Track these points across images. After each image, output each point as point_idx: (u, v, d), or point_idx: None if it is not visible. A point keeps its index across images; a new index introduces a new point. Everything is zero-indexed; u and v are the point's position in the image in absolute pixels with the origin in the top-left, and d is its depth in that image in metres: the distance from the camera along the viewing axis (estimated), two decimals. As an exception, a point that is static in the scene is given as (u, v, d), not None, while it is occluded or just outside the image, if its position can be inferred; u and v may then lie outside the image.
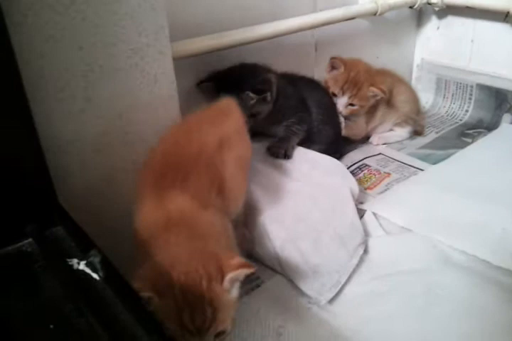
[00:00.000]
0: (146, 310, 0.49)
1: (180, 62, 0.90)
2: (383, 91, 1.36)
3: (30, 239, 0.62)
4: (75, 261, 0.57)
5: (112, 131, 0.80)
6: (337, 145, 1.35)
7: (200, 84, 1.10)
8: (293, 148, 1.17)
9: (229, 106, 0.92)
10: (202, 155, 0.76)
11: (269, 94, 1.10)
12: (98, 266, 0.56)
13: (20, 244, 0.62)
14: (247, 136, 0.91)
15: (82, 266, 0.57)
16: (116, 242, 0.70)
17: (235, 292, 0.64)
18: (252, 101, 1.09)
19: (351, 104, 1.37)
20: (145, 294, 0.57)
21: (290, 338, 0.83)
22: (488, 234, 0.99)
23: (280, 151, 1.14)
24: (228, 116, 0.88)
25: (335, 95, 1.37)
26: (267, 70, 1.14)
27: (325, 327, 0.85)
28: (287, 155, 1.14)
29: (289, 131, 1.18)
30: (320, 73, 1.42)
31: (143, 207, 0.71)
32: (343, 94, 1.36)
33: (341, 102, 1.37)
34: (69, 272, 0.56)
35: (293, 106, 1.19)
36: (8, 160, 0.60)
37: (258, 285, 0.94)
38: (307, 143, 1.23)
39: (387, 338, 0.81)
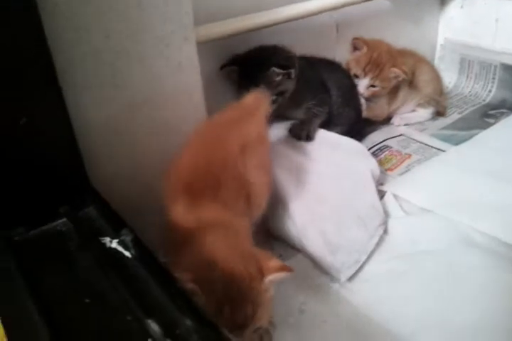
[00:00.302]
0: (177, 286, 0.51)
1: (202, 46, 0.92)
2: (405, 72, 1.35)
3: (64, 219, 0.66)
4: (107, 239, 0.61)
5: (139, 117, 0.82)
6: (358, 127, 1.35)
7: (223, 68, 1.11)
8: (314, 130, 1.18)
9: (254, 103, 0.91)
10: (228, 162, 0.77)
11: (293, 70, 1.11)
12: (130, 245, 0.59)
13: (55, 223, 0.65)
14: (268, 137, 0.92)
15: (114, 244, 0.60)
16: (142, 224, 0.74)
17: (272, 291, 0.65)
18: (278, 78, 1.10)
19: (373, 86, 1.37)
20: (188, 285, 0.58)
21: (312, 315, 0.85)
22: (509, 215, 1.00)
23: (302, 133, 1.15)
24: (253, 116, 0.88)
25: (357, 76, 1.37)
26: (287, 51, 1.15)
27: (345, 304, 0.87)
28: (309, 137, 1.15)
29: (310, 113, 1.19)
30: (341, 54, 1.41)
31: (176, 214, 0.71)
32: (365, 75, 1.36)
33: (363, 84, 1.37)
34: (102, 250, 0.59)
35: (313, 88, 1.20)
36: (45, 146, 0.63)
37: (280, 263, 0.96)
38: (329, 125, 1.23)
39: (405, 317, 0.83)
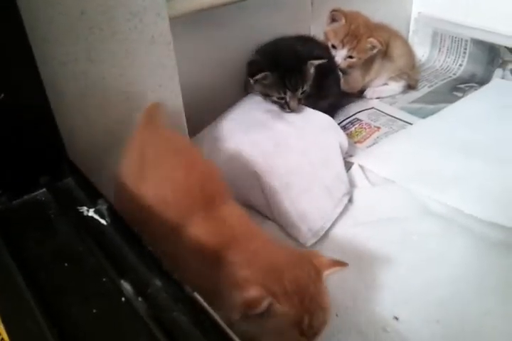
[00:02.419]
0: (148, 249, 0.56)
1: (176, 22, 0.94)
2: (381, 43, 1.38)
3: (44, 190, 0.69)
4: (84, 208, 0.65)
5: (114, 89, 0.85)
6: (341, 98, 1.42)
7: (255, 80, 1.15)
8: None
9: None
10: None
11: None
12: (105, 213, 0.63)
13: (35, 193, 0.69)
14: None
15: (91, 213, 0.64)
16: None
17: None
18: (313, 70, 1.16)
19: (350, 57, 1.40)
20: (266, 302, 0.55)
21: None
22: (465, 185, 1.06)
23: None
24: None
25: (334, 47, 1.40)
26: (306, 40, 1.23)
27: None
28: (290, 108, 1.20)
29: None
30: (316, 28, 1.43)
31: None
32: (343, 46, 1.39)
33: (340, 54, 1.40)
34: (80, 218, 0.63)
35: None
36: (23, 119, 0.66)
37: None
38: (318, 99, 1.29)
39: (363, 276, 0.90)
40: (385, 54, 1.50)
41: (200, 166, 0.77)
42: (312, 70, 1.17)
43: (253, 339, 0.59)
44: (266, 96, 1.19)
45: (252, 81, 1.16)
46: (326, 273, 0.62)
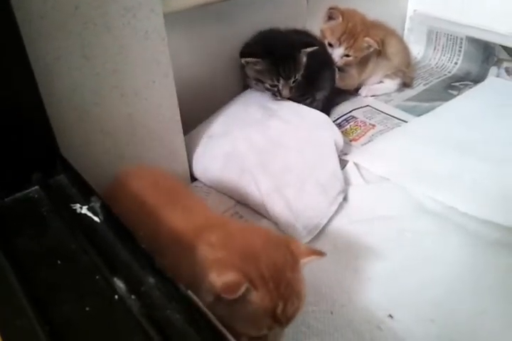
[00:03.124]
0: (141, 247, 0.55)
1: (171, 18, 0.93)
2: (378, 43, 1.38)
3: (36, 187, 0.68)
4: (77, 206, 0.64)
5: (108, 86, 0.84)
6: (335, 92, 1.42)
7: (245, 64, 1.15)
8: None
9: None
10: None
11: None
12: (98, 210, 0.62)
13: (28, 191, 0.68)
14: None
15: (84, 210, 0.63)
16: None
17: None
18: (305, 59, 1.16)
19: (347, 55, 1.40)
20: (244, 287, 0.54)
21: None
22: (460, 183, 1.06)
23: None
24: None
25: (331, 45, 1.40)
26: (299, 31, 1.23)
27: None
28: (280, 94, 1.20)
29: None
30: (312, 24, 1.43)
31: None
32: (340, 44, 1.39)
33: (337, 53, 1.40)
34: (73, 215, 0.63)
35: None
36: (14, 115, 0.65)
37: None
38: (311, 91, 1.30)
39: (358, 274, 0.90)
40: (380, 52, 1.50)
41: None
42: (304, 59, 1.16)
43: (225, 323, 0.57)
44: (258, 82, 1.19)
45: (243, 61, 1.15)
46: (303, 261, 0.61)
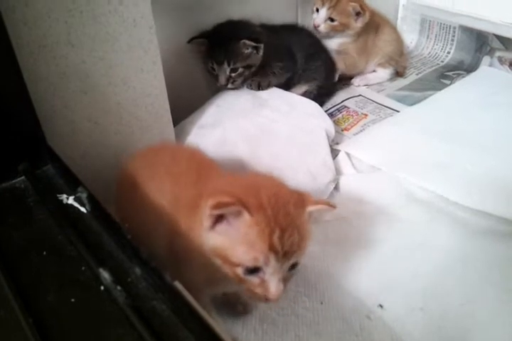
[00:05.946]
0: (128, 238, 0.55)
1: (159, 6, 0.92)
2: (363, 9, 1.35)
3: (23, 177, 0.68)
4: (64, 196, 0.64)
5: (95, 74, 0.83)
6: (329, 85, 1.41)
7: (190, 41, 1.15)
8: (269, 84, 1.23)
9: None
10: None
11: (262, 45, 1.15)
12: (85, 201, 0.62)
13: (14, 181, 0.68)
14: None
15: (70, 200, 0.63)
16: (99, 180, 0.77)
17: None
18: (247, 51, 1.14)
19: (331, 19, 1.36)
20: (234, 208, 0.56)
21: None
22: (450, 172, 1.06)
23: (254, 83, 1.21)
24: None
25: (318, 11, 1.37)
26: (256, 26, 1.20)
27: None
28: (261, 86, 1.21)
29: (270, 72, 1.22)
30: (304, 16, 1.42)
31: None
32: (323, 4, 1.36)
33: (321, 15, 1.36)
34: (59, 206, 0.62)
35: (279, 58, 1.23)
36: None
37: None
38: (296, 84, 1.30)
39: (348, 263, 0.90)
40: (376, 30, 1.49)
41: None
42: (246, 51, 1.14)
43: (222, 255, 0.58)
44: (203, 63, 1.20)
45: (193, 43, 1.17)
46: (310, 208, 0.61)
